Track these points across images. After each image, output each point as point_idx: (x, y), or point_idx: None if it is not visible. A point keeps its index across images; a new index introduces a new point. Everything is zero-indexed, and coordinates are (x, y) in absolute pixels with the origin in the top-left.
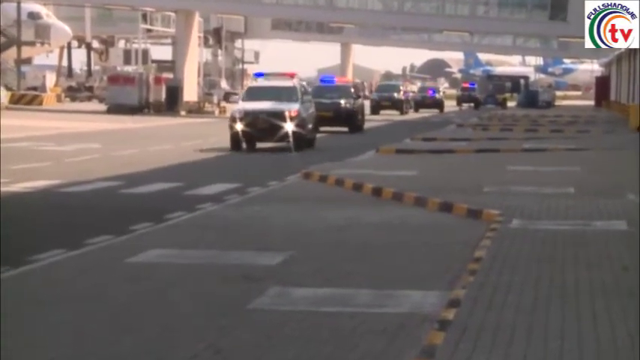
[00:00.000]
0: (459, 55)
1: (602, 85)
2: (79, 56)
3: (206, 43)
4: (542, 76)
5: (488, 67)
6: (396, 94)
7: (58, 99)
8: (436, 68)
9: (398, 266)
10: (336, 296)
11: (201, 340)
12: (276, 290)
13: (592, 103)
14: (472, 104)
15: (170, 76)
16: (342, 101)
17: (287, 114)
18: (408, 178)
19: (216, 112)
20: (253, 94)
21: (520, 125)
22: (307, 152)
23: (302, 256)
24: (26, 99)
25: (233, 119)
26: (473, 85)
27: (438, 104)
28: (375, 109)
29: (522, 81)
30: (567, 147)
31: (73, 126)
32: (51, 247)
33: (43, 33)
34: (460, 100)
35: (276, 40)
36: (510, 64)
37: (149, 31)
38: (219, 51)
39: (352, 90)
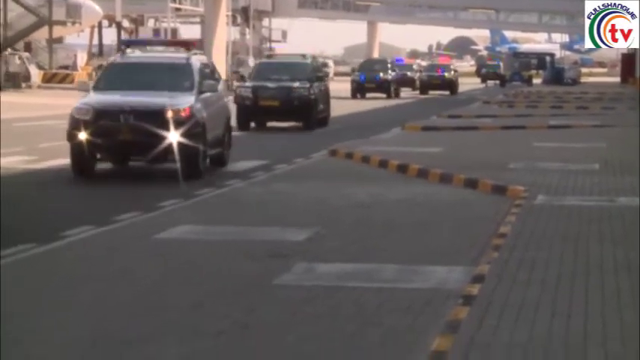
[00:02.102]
0: (485, 33)
1: (627, 62)
2: (110, 35)
3: (234, 22)
4: (567, 53)
5: (515, 45)
6: (382, 74)
7: (90, 78)
8: (462, 46)
9: (423, 242)
10: (361, 272)
11: (227, 316)
12: (302, 266)
13: (618, 80)
14: (497, 81)
15: None
16: (295, 85)
17: (169, 114)
18: (433, 155)
19: None
20: (117, 77)
21: (545, 102)
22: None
23: (328, 232)
24: (58, 77)
25: (74, 122)
26: (497, 62)
27: (449, 85)
28: (357, 92)
29: (548, 58)
30: (593, 124)
31: None
32: (80, 223)
33: (74, 12)
34: (485, 78)
35: (303, 18)
36: (536, 42)
37: (178, 10)
38: (247, 30)
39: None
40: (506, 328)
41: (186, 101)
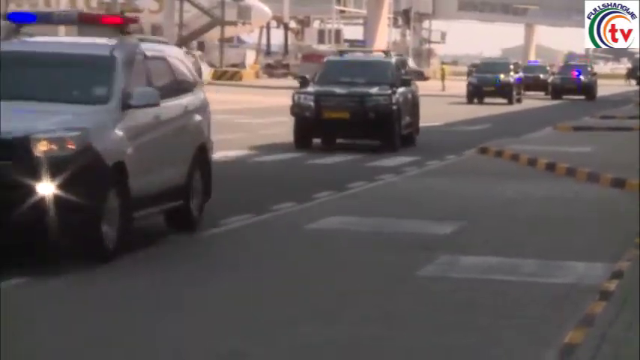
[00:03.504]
0: None
1: None
2: (277, 35)
3: (395, 24)
4: None
5: None
6: (502, 76)
7: (256, 75)
8: (619, 49)
9: (566, 238)
10: (503, 265)
11: (371, 304)
12: (446, 258)
13: None
14: None
15: None
16: (372, 91)
17: (38, 148)
18: (582, 155)
19: None
20: None
21: None
22: None
23: (473, 226)
24: (227, 75)
25: None
26: None
27: (586, 90)
28: (474, 97)
29: None
30: None
31: (269, 100)
32: (239, 212)
33: (244, 14)
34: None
35: (462, 20)
36: None
37: (342, 11)
38: (407, 31)
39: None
40: None
41: (84, 123)
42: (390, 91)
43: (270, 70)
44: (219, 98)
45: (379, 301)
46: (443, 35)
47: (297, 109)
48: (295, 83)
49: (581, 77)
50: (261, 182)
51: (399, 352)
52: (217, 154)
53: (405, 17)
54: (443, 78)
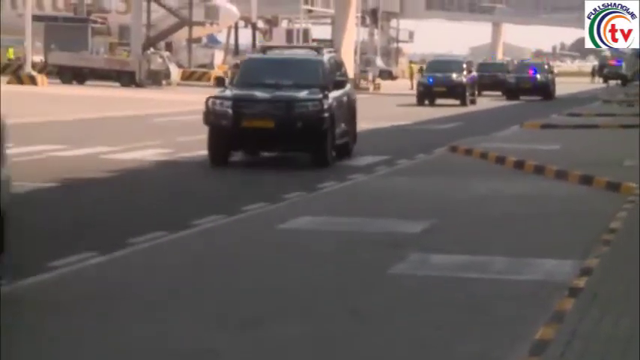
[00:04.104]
0: None
1: None
2: (246, 35)
3: (363, 23)
4: None
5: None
6: (454, 76)
7: (225, 75)
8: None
9: (535, 236)
10: (474, 263)
11: (340, 301)
12: (417, 256)
13: None
14: (619, 81)
15: None
16: (301, 96)
17: None
18: (550, 152)
19: (371, 88)
20: None
21: None
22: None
23: (444, 224)
24: (196, 75)
25: None
26: (620, 62)
27: (542, 89)
28: (425, 98)
29: None
30: None
31: None
32: (211, 212)
33: (212, 14)
34: (607, 77)
35: (429, 19)
36: None
37: (310, 11)
38: (376, 30)
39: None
40: (610, 321)
41: None
42: (321, 96)
43: (238, 69)
44: (188, 99)
45: (351, 299)
46: (411, 34)
47: (211, 118)
48: None
49: (537, 76)
50: (233, 183)
51: (371, 348)
52: (184, 155)
53: (372, 16)
54: (411, 77)
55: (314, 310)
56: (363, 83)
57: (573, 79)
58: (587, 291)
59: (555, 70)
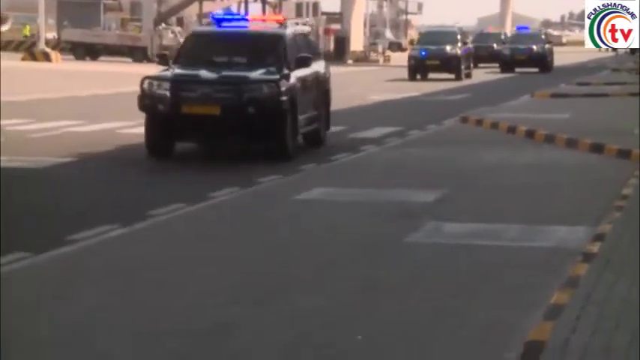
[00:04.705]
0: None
1: None
2: (256, 9)
3: None
4: None
5: None
6: (448, 48)
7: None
8: None
9: (547, 203)
10: (487, 231)
11: (356, 272)
12: (431, 225)
13: None
14: (628, 49)
15: (338, 27)
16: (254, 76)
17: None
18: (560, 121)
19: (381, 60)
20: None
21: None
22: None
23: (457, 193)
24: None
25: None
26: None
27: (539, 60)
28: (417, 72)
29: None
30: None
31: None
32: (226, 185)
33: None
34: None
35: None
36: None
37: None
38: (384, 2)
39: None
40: (624, 285)
41: None
42: (277, 76)
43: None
44: None
45: (367, 268)
46: (420, 6)
47: (146, 102)
48: None
49: (534, 47)
50: (246, 157)
51: (386, 317)
52: None
53: None
54: None
55: (331, 281)
56: (372, 55)
57: (582, 49)
58: (600, 256)
59: (564, 40)
